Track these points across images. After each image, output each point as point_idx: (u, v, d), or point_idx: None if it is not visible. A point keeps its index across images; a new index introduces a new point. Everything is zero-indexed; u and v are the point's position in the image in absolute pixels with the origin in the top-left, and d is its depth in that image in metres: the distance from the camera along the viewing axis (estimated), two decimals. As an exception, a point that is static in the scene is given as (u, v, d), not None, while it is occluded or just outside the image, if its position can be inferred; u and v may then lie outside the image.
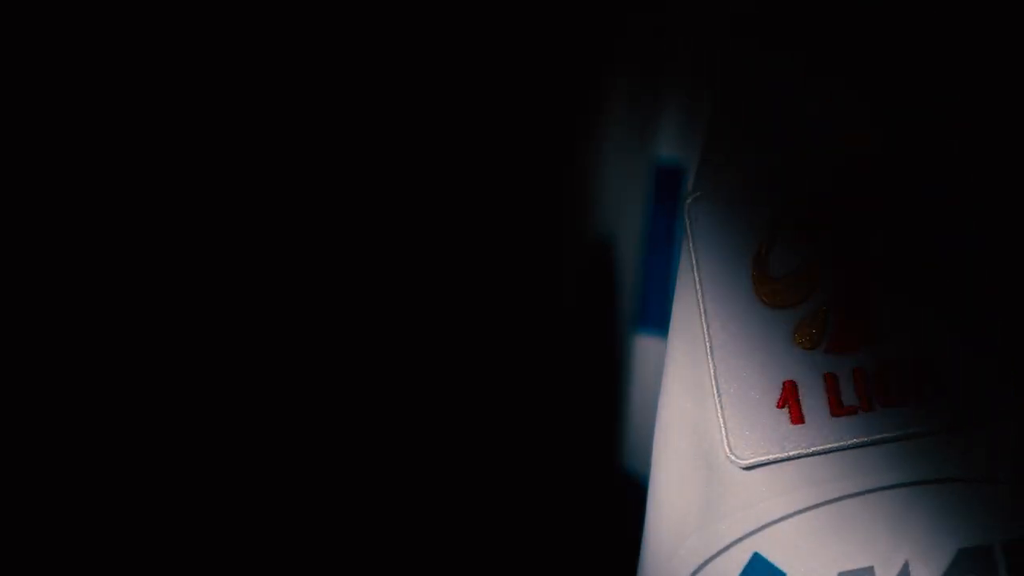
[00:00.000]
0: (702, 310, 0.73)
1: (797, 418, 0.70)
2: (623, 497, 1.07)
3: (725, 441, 0.71)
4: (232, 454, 1.29)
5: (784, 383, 0.70)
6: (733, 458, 0.71)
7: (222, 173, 1.25)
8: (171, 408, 1.26)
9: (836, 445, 0.69)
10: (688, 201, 0.76)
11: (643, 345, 1.08)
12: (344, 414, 1.30)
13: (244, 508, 1.28)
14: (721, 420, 0.72)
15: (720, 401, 0.72)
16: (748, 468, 0.71)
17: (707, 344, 0.73)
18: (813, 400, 0.69)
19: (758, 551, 0.70)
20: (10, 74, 1.18)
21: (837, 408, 0.69)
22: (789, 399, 0.70)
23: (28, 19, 1.17)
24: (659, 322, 1.02)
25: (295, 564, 1.31)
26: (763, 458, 0.70)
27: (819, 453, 0.69)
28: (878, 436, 0.68)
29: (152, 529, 1.27)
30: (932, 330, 0.68)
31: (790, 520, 0.69)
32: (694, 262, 0.74)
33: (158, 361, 1.25)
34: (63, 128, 1.21)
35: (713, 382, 0.72)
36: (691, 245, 0.74)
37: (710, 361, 0.73)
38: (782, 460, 0.70)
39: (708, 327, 0.73)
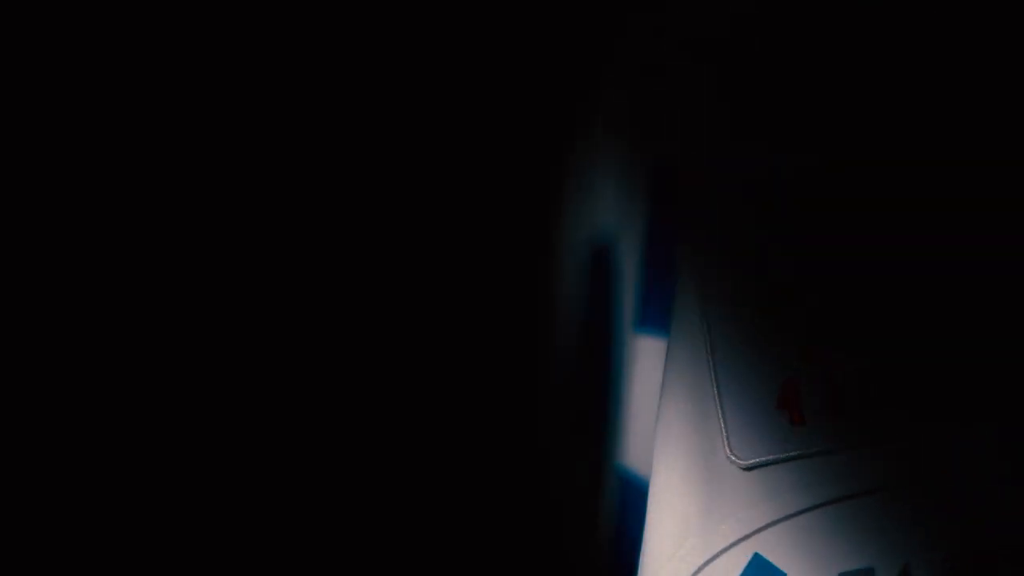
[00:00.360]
0: (702, 310, 0.73)
1: (798, 419, 0.70)
2: (623, 497, 1.07)
3: (725, 442, 0.71)
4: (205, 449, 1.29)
5: (784, 383, 0.70)
6: (733, 459, 0.71)
7: (212, 173, 1.25)
8: (143, 405, 1.26)
9: (837, 446, 0.69)
10: (690, 203, 0.76)
11: (643, 345, 1.08)
12: (346, 412, 1.30)
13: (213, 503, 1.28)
14: (721, 421, 0.72)
15: (720, 402, 0.72)
16: (748, 469, 0.71)
17: (707, 344, 0.73)
18: (814, 401, 0.69)
19: (759, 551, 0.70)
20: (10, 74, 1.18)
21: (838, 409, 0.69)
22: (789, 400, 0.70)
23: (28, 19, 1.17)
24: (659, 322, 1.02)
25: (284, 562, 1.32)
26: (763, 459, 0.70)
27: (820, 454, 0.69)
28: (879, 438, 0.68)
29: (136, 527, 1.27)
30: (931, 333, 0.68)
31: (791, 521, 0.69)
32: (695, 263, 0.74)
33: (127, 358, 1.25)
34: (63, 128, 1.21)
35: (713, 382, 0.72)
36: (691, 247, 0.74)
37: (710, 361, 0.73)
38: (783, 461, 0.70)
39: (708, 328, 0.73)
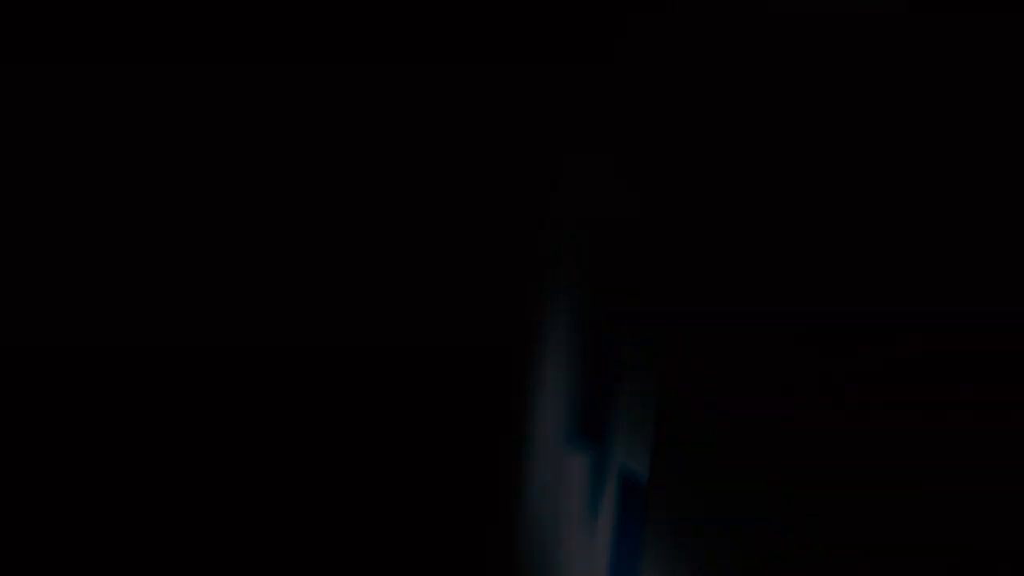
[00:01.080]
0: (701, 314, 0.73)
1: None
2: (623, 498, 1.07)
3: (723, 443, 0.71)
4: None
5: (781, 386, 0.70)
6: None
7: (210, 176, 1.25)
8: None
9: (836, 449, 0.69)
10: (688, 207, 0.75)
11: (643, 347, 1.07)
12: (341, 410, 1.30)
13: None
14: (718, 423, 0.72)
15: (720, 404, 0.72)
16: (747, 471, 0.71)
17: (706, 347, 0.73)
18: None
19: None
20: (10, 74, 1.18)
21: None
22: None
23: (29, 19, 1.17)
24: (659, 326, 1.02)
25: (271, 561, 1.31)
26: (761, 460, 0.70)
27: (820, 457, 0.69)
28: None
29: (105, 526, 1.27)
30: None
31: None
32: (693, 270, 0.74)
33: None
34: (63, 128, 1.21)
35: (713, 387, 0.72)
36: (690, 252, 0.74)
37: (710, 365, 0.73)
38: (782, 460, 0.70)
39: (706, 331, 0.73)
